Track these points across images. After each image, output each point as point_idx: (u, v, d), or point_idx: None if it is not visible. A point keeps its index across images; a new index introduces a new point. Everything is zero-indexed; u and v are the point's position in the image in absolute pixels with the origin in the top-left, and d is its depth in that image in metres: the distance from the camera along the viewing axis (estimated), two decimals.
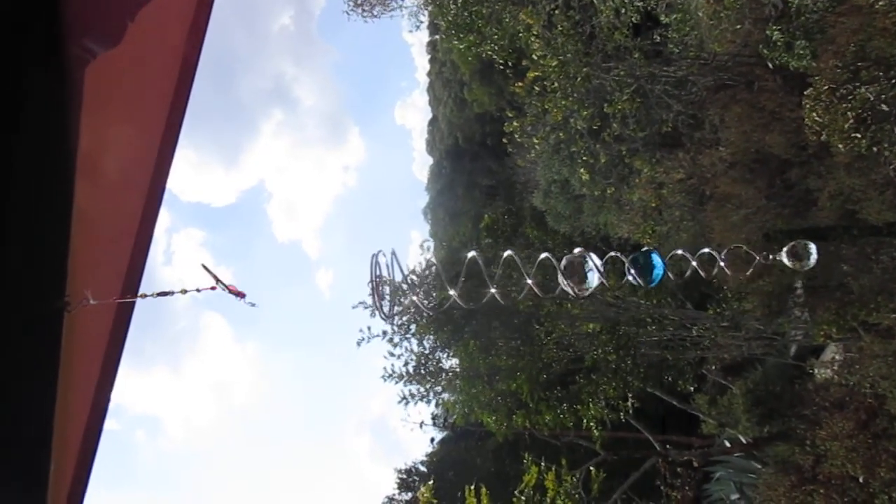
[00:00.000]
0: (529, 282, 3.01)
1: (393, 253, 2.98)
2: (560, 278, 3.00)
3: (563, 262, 3.00)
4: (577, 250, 3.06)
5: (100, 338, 3.40)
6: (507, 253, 3.09)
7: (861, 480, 9.69)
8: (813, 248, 3.04)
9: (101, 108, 2.69)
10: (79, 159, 2.65)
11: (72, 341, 3.12)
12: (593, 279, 2.98)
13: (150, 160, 3.16)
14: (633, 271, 3.05)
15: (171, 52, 2.77)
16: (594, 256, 2.99)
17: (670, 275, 3.10)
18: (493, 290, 2.98)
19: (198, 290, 2.66)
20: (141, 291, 3.02)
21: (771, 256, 3.09)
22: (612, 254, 3.10)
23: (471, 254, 3.05)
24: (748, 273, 3.25)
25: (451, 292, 2.95)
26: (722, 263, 3.10)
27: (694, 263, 3.06)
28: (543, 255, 3.01)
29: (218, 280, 2.71)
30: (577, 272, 2.99)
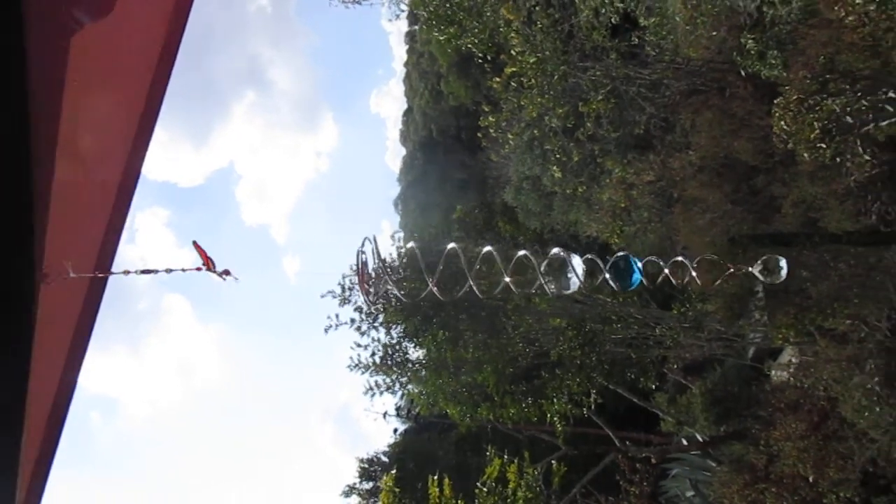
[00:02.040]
0: (507, 279, 3.06)
1: (374, 240, 3.01)
2: (540, 278, 3.06)
3: (545, 261, 3.06)
4: (555, 250, 3.12)
5: (71, 313, 3.37)
6: (487, 248, 3.14)
7: (811, 480, 9.99)
8: (784, 263, 3.16)
9: (84, 79, 2.67)
10: (60, 132, 2.63)
11: (43, 315, 3.10)
12: (573, 280, 3.04)
13: (129, 135, 3.14)
14: (611, 275, 3.12)
15: (156, 27, 2.76)
16: (577, 259, 3.06)
17: (644, 282, 3.18)
18: (470, 283, 3.02)
19: (183, 270, 2.66)
20: (112, 268, 3.01)
21: (744, 269, 3.20)
22: (589, 256, 3.17)
23: (450, 245, 3.09)
24: (717, 283, 3.35)
25: (431, 284, 3.00)
26: (694, 274, 3.19)
27: (666, 271, 3.14)
28: (521, 253, 3.06)
29: (206, 264, 2.71)
30: (557, 271, 3.06)
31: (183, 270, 2.66)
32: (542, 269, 3.07)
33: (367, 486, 20.10)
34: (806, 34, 9.89)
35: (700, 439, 15.33)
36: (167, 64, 2.99)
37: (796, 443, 10.14)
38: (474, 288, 3.05)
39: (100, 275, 2.65)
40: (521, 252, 3.20)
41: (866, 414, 9.06)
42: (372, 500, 19.57)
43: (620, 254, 3.22)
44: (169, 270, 2.64)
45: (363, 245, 2.96)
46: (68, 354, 3.51)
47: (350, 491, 20.21)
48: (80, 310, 3.41)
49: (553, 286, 3.06)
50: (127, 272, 2.60)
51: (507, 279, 3.15)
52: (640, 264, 3.14)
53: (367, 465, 20.83)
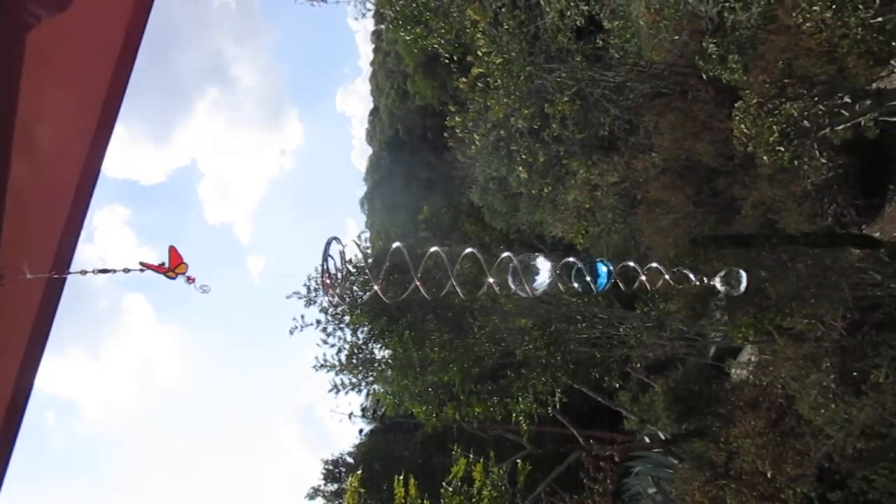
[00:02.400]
0: (491, 280, 3.07)
1: (335, 239, 2.99)
2: (510, 280, 3.08)
3: (516, 262, 3.08)
4: (524, 256, 3.14)
5: (27, 314, 3.28)
6: (469, 250, 3.15)
7: (769, 476, 10.20)
8: (743, 275, 3.26)
9: (41, 76, 2.60)
10: (16, 129, 2.56)
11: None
12: (544, 280, 3.07)
13: (88, 133, 3.07)
14: (580, 279, 3.16)
15: (117, 22, 2.70)
16: (546, 261, 3.08)
17: (621, 285, 3.23)
18: (454, 283, 3.03)
19: (141, 270, 2.60)
20: (70, 268, 2.93)
21: (706, 280, 3.29)
22: (571, 259, 3.21)
23: (433, 249, 3.10)
24: (682, 286, 3.44)
25: (417, 282, 3.00)
26: (667, 276, 3.25)
27: (643, 277, 3.20)
28: (505, 255, 3.08)
29: (171, 266, 2.65)
30: (527, 272, 3.08)
31: (141, 270, 2.60)
32: (514, 269, 3.09)
33: (332, 487, 19.95)
34: (765, 39, 10.10)
35: (662, 437, 15.56)
36: (128, 60, 2.93)
37: (755, 440, 10.35)
38: (457, 289, 3.06)
39: (56, 275, 2.58)
40: (504, 254, 3.20)
41: (822, 411, 9.28)
42: (337, 501, 19.43)
43: (587, 257, 3.26)
44: (127, 270, 2.58)
45: (328, 246, 2.94)
46: (24, 356, 3.41)
47: (315, 493, 20.05)
48: (37, 310, 3.32)
49: (524, 289, 3.08)
50: (84, 272, 2.53)
51: (491, 280, 3.16)
52: (608, 268, 3.18)
53: (331, 467, 20.67)
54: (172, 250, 2.65)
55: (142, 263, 2.61)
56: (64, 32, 2.66)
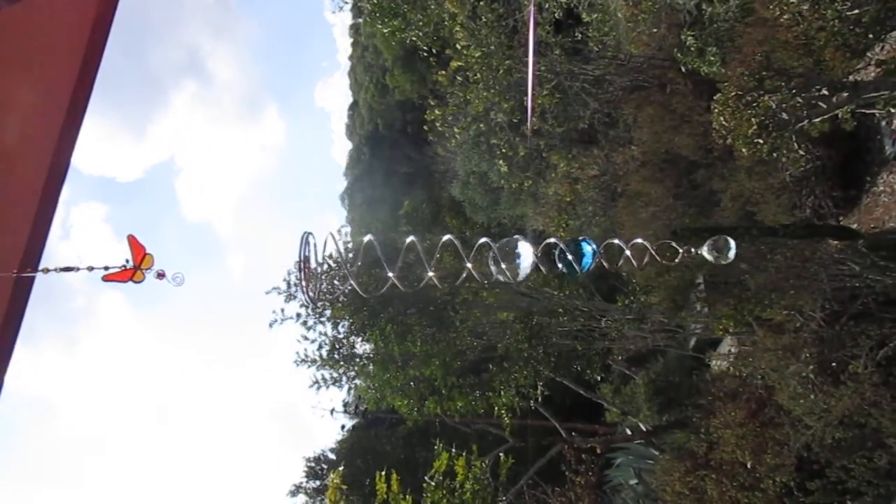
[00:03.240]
0: (468, 265, 3.03)
1: (309, 234, 2.94)
2: (492, 265, 3.03)
3: (497, 245, 3.04)
4: (505, 239, 3.10)
5: None
6: (447, 237, 3.11)
7: (749, 466, 10.28)
8: (733, 243, 3.20)
9: (4, 67, 2.51)
10: None
11: None
12: (525, 266, 3.02)
13: (55, 127, 2.97)
14: (563, 261, 3.11)
15: (84, 12, 2.61)
16: (527, 244, 3.04)
17: (605, 265, 3.18)
18: (430, 275, 2.98)
19: (105, 268, 2.51)
20: (42, 266, 2.84)
21: (693, 250, 3.23)
22: (551, 240, 3.16)
23: (409, 238, 3.05)
24: (676, 261, 3.38)
25: (391, 276, 2.95)
26: (654, 253, 3.21)
27: (628, 253, 3.15)
28: (483, 240, 3.04)
29: (134, 261, 2.55)
30: (508, 258, 3.04)
31: (105, 268, 2.51)
32: (494, 254, 3.04)
33: (315, 484, 19.89)
34: (743, 32, 10.13)
35: (643, 429, 15.66)
36: (95, 52, 2.84)
37: (735, 430, 10.42)
38: (434, 280, 3.02)
39: (18, 273, 2.49)
40: (482, 240, 3.15)
41: (801, 401, 9.35)
42: (319, 498, 19.39)
43: (574, 238, 3.21)
44: (91, 268, 2.48)
45: (305, 239, 2.88)
46: None
47: (297, 490, 19.98)
48: (6, 310, 3.23)
49: (505, 274, 3.04)
50: (46, 270, 2.44)
51: (469, 265, 3.12)
52: (591, 247, 3.14)
53: (313, 464, 20.61)
54: (132, 240, 2.55)
55: (106, 278, 2.51)
56: (29, 22, 2.56)
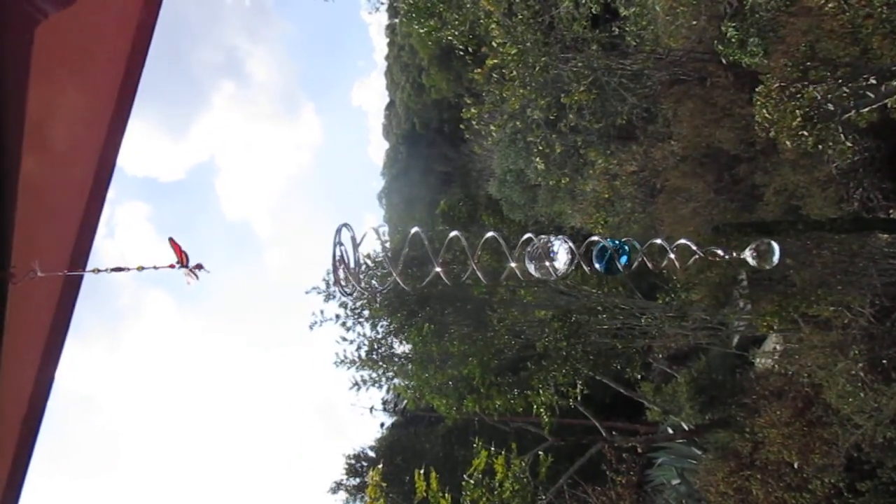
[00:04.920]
0: (513, 265, 3.02)
1: (345, 226, 2.95)
2: (529, 263, 3.01)
3: (536, 245, 3.02)
4: (544, 237, 3.07)
5: (45, 311, 3.28)
6: (490, 234, 3.09)
7: (796, 466, 10.07)
8: (776, 247, 3.11)
9: (51, 72, 2.58)
10: (27, 126, 2.54)
11: (16, 315, 3.00)
12: (564, 264, 2.99)
13: (101, 131, 3.04)
14: (601, 260, 3.07)
15: (127, 17, 2.67)
16: (568, 241, 3.01)
17: (649, 263, 3.13)
18: (474, 267, 2.97)
19: (155, 268, 2.56)
20: (91, 266, 2.91)
21: (735, 254, 3.16)
22: (594, 238, 3.13)
23: (453, 233, 3.05)
24: (717, 260, 3.31)
25: (438, 269, 2.95)
26: (699, 252, 3.15)
27: (672, 255, 3.10)
28: (527, 236, 3.02)
29: (180, 261, 2.61)
30: (545, 256, 3.01)
31: (155, 268, 2.57)
32: (530, 252, 3.02)
33: (355, 482, 20.04)
34: (786, 22, 9.90)
35: (685, 428, 15.41)
36: (139, 54, 2.90)
37: (781, 429, 10.21)
38: (479, 274, 3.02)
39: (68, 273, 2.56)
40: (526, 235, 3.13)
41: (850, 399, 9.12)
42: (359, 495, 19.52)
43: (622, 240, 3.16)
44: (141, 268, 2.54)
45: (339, 233, 2.89)
46: (43, 354, 3.42)
47: (337, 487, 20.16)
48: (55, 308, 3.32)
49: (541, 272, 3.01)
50: (97, 270, 2.50)
51: (513, 264, 3.10)
52: (630, 247, 3.10)
53: (353, 461, 20.77)
54: (173, 244, 2.60)
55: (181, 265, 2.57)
56: (74, 28, 2.63)
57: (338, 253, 2.91)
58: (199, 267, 2.61)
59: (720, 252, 3.11)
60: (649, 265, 3.11)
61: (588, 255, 3.05)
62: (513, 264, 2.97)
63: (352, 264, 2.93)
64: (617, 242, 3.10)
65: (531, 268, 2.98)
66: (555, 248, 2.97)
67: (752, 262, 3.11)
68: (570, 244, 2.96)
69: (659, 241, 3.12)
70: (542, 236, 3.03)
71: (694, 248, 3.12)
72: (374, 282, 12.69)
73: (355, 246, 2.93)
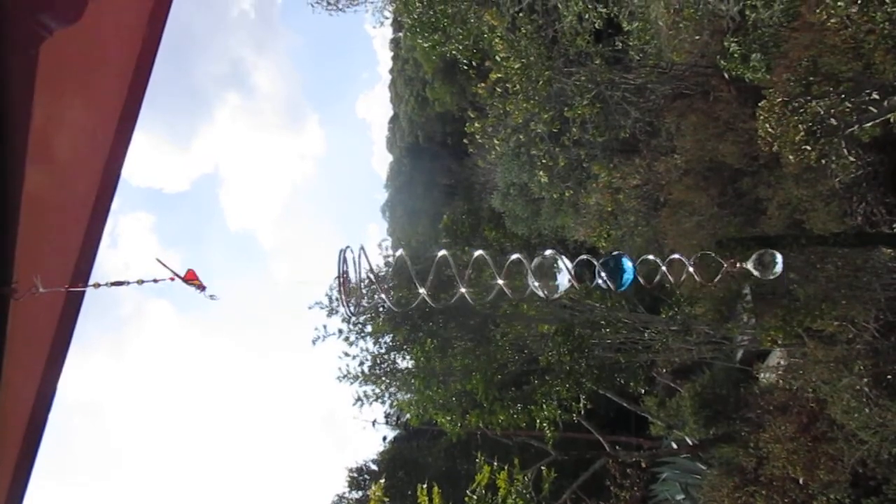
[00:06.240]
0: (500, 282, 3.00)
1: (362, 248, 2.95)
2: (530, 280, 3.00)
3: (534, 263, 3.00)
4: (548, 252, 3.07)
5: (47, 326, 3.28)
6: (478, 253, 3.09)
7: (801, 482, 9.99)
8: (779, 258, 3.10)
9: (55, 88, 2.59)
10: (30, 141, 2.55)
11: (18, 329, 3.00)
12: (563, 281, 2.98)
13: (105, 145, 3.06)
14: (603, 275, 3.06)
15: (131, 32, 2.69)
16: (565, 259, 3.00)
17: (641, 280, 3.12)
18: (462, 290, 2.96)
19: (154, 281, 2.57)
20: (92, 279, 2.92)
21: (738, 264, 3.14)
22: (584, 256, 3.11)
23: (441, 252, 3.04)
24: (715, 280, 3.30)
25: (422, 291, 2.94)
26: (691, 269, 3.13)
27: (664, 269, 3.09)
28: (515, 256, 3.01)
29: (176, 275, 2.62)
30: (546, 274, 3.00)
31: (155, 281, 2.57)
32: (531, 270, 3.00)
33: (356, 495, 19.94)
34: (789, 37, 9.94)
35: (689, 442, 15.33)
36: (144, 70, 2.91)
37: (785, 445, 10.15)
38: (466, 295, 3.00)
39: (69, 289, 2.56)
40: (515, 255, 3.12)
41: (855, 415, 9.07)
42: None
43: (614, 253, 3.15)
44: (141, 282, 2.55)
45: (343, 254, 2.89)
46: (45, 366, 3.41)
47: (339, 501, 20.05)
48: (57, 321, 3.32)
49: (544, 290, 3.00)
50: (97, 285, 2.51)
51: (500, 281, 3.08)
52: (633, 264, 3.08)
53: (356, 475, 20.67)
54: (191, 274, 2.61)
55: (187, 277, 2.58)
56: (79, 44, 2.65)
57: (351, 278, 2.91)
58: (203, 288, 2.62)
59: (722, 262, 3.09)
60: (642, 282, 3.10)
61: (589, 272, 3.04)
62: (500, 281, 2.96)
63: (355, 284, 2.94)
64: (616, 261, 3.09)
65: (532, 286, 2.98)
66: (555, 267, 2.97)
67: (755, 272, 3.09)
68: (569, 264, 2.95)
69: (651, 256, 3.11)
70: (538, 257, 3.02)
71: (686, 262, 3.11)
72: (376, 297, 12.67)
73: (357, 267, 2.93)
